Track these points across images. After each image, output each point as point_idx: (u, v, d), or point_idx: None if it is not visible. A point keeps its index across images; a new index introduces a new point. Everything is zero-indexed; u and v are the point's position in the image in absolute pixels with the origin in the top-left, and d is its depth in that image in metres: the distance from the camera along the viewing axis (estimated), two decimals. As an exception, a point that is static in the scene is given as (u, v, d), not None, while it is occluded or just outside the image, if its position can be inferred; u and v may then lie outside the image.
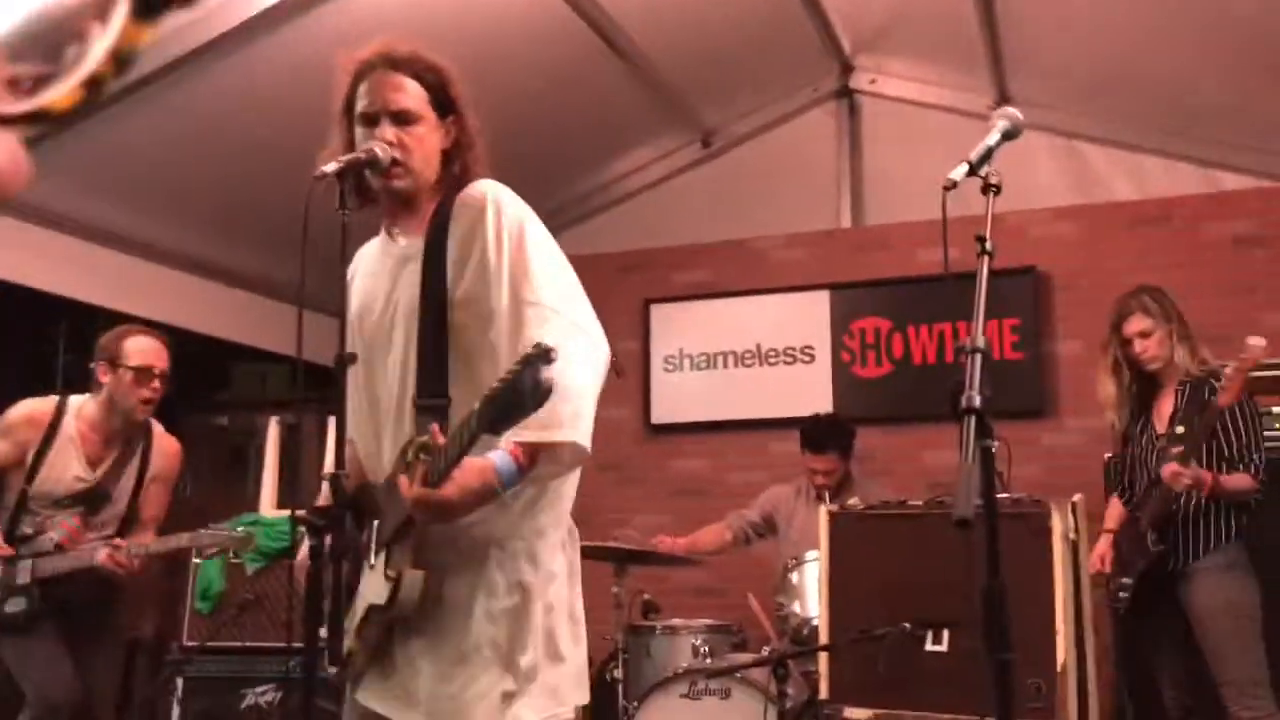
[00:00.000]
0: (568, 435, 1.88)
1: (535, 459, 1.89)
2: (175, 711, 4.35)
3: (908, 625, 3.23)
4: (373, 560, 2.05)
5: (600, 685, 4.38)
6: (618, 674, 4.19)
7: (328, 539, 2.07)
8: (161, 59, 4.11)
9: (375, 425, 2.14)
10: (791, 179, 6.15)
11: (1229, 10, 4.45)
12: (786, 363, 5.93)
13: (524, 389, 1.65)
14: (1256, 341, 3.36)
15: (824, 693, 3.45)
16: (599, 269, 6.04)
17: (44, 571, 3.63)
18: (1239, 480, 3.52)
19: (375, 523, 2.07)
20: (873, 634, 3.25)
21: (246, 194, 5.00)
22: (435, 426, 1.87)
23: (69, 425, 3.73)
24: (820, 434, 4.73)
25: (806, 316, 5.91)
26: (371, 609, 2.02)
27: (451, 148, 2.15)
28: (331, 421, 4.53)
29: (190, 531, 3.76)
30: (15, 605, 3.60)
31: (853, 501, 3.69)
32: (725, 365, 6.04)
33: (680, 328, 6.15)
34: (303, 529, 2.16)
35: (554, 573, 2.09)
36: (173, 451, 3.99)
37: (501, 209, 2.05)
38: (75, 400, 3.81)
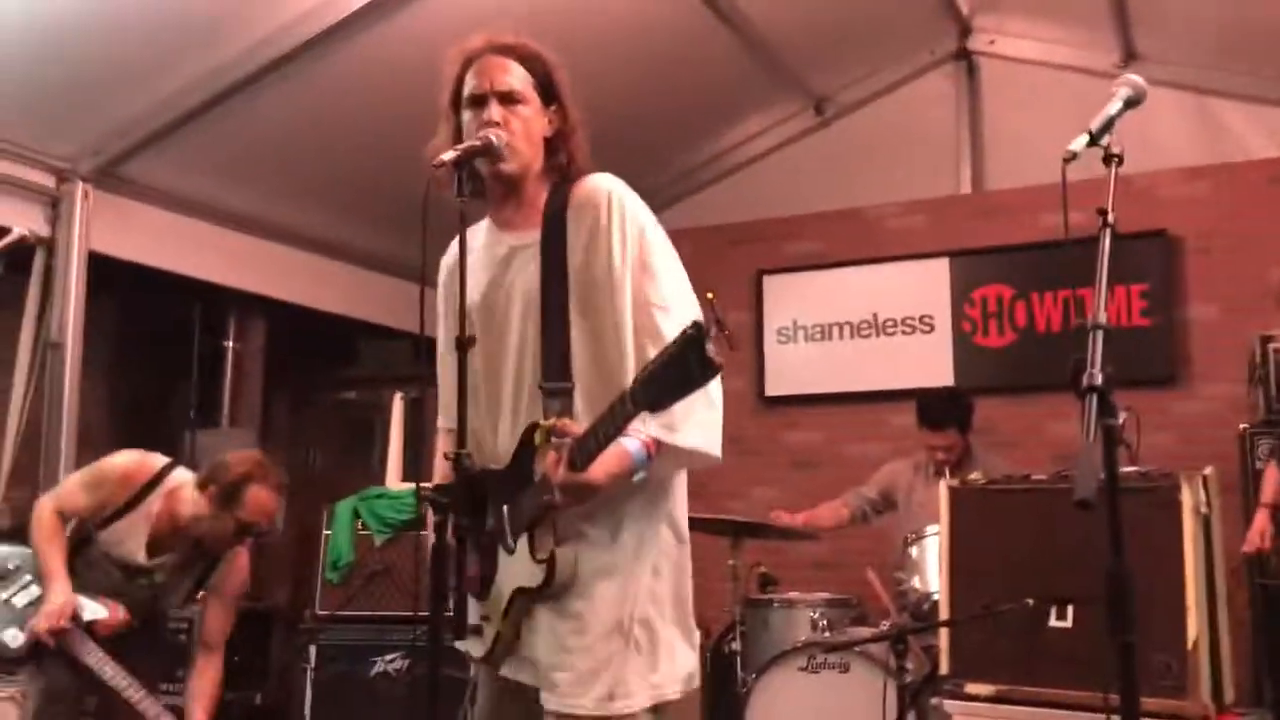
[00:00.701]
0: (688, 441, 2.00)
1: (659, 448, 1.98)
2: (309, 678, 4.52)
3: (1031, 601, 3.17)
4: (512, 544, 2.10)
5: (718, 657, 4.42)
6: (735, 646, 4.22)
7: (451, 516, 2.12)
8: (287, 45, 4.24)
9: (489, 409, 2.19)
10: (907, 145, 6.03)
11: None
12: (905, 333, 5.83)
13: (690, 364, 1.69)
14: None
15: (945, 668, 3.42)
16: (711, 240, 6.04)
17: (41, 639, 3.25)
18: None
19: (505, 507, 2.12)
20: (996, 610, 3.20)
21: (370, 176, 5.12)
22: (566, 420, 1.95)
23: (155, 500, 3.41)
24: (937, 410, 4.65)
25: (925, 285, 5.80)
26: (520, 592, 2.07)
27: (555, 136, 2.19)
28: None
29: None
30: (15, 640, 3.30)
31: (974, 476, 3.62)
32: (840, 336, 5.97)
33: (793, 298, 6.10)
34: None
35: (672, 559, 2.15)
36: (241, 565, 3.57)
37: (625, 209, 2.11)
38: (177, 476, 3.47)
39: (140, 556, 3.38)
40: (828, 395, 5.95)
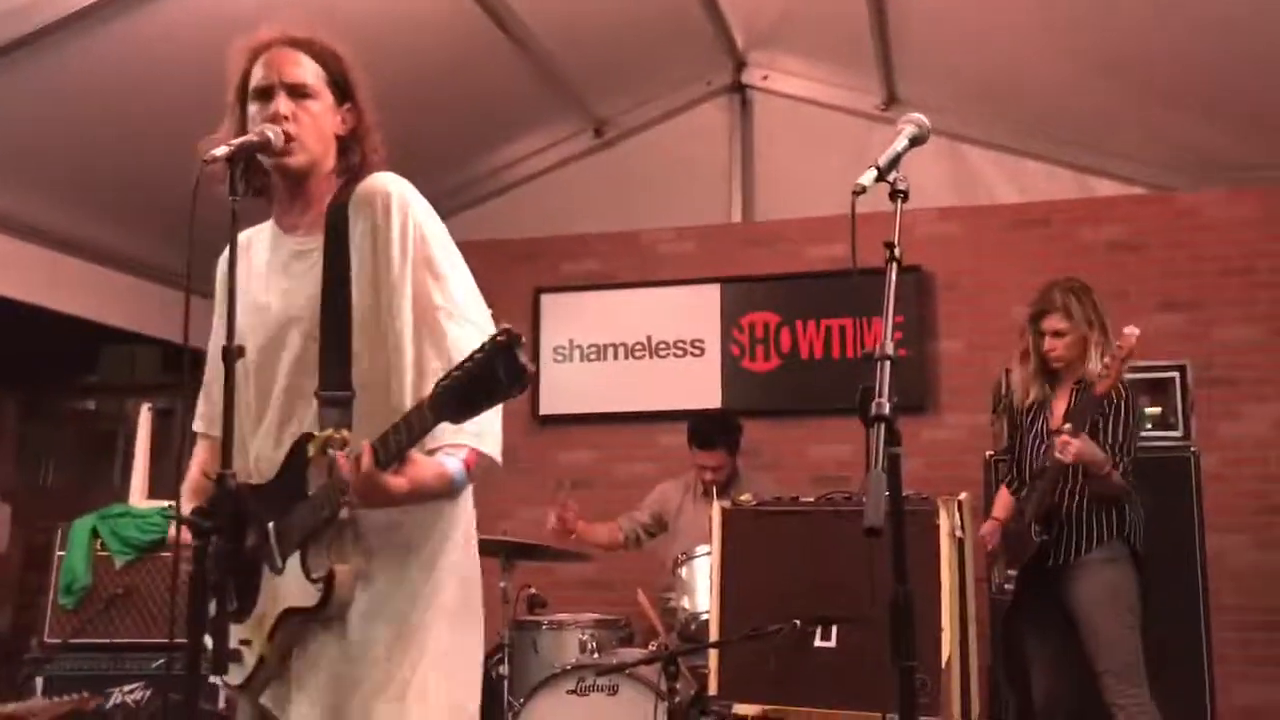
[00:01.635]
0: (492, 450, 1.94)
1: (478, 464, 1.91)
2: (35, 712, 4.13)
3: (798, 622, 3.25)
4: (279, 563, 1.98)
5: (485, 681, 4.31)
6: (503, 670, 4.14)
7: (212, 540, 1.98)
8: (34, 23, 3.90)
9: (254, 421, 2.07)
10: (683, 172, 6.15)
11: (1109, 24, 4.60)
12: (677, 355, 5.93)
13: (498, 374, 1.62)
14: (1131, 330, 3.44)
15: (713, 689, 3.46)
16: (490, 256, 5.93)
17: None
18: (1114, 474, 3.59)
19: (271, 523, 1.99)
20: (763, 631, 3.26)
21: (121, 170, 4.78)
22: (344, 431, 1.87)
23: None
24: (708, 431, 4.74)
25: (697, 309, 5.92)
26: (290, 612, 1.96)
27: (348, 135, 2.11)
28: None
29: None
30: None
31: (745, 497, 3.69)
32: (615, 357, 6.01)
33: (570, 318, 6.10)
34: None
35: (464, 577, 2.07)
36: None
37: (406, 206, 2.03)
38: None
39: None
40: (601, 415, 5.97)
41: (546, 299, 6.13)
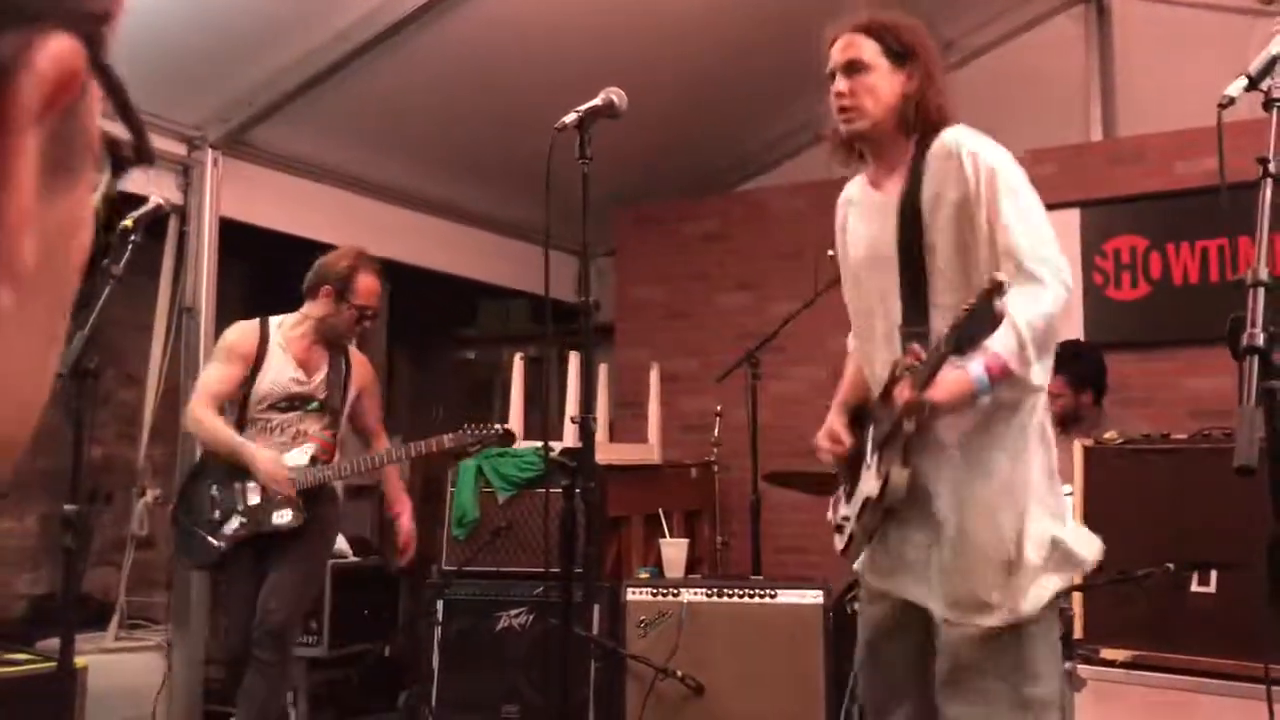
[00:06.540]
0: (1026, 372, 2.14)
1: (1006, 372, 2.12)
2: (436, 631, 4.63)
3: (1171, 565, 3.06)
4: (869, 461, 2.38)
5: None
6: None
7: (578, 480, 2.16)
8: (402, 11, 4.27)
9: (870, 349, 2.46)
10: (1034, 91, 5.82)
11: None
12: (1033, 287, 5.65)
13: (983, 318, 1.94)
14: None
15: (1078, 632, 3.33)
16: (829, 196, 5.92)
17: (305, 484, 3.77)
18: None
19: (871, 427, 2.38)
20: (1133, 574, 3.10)
21: (490, 140, 5.17)
22: (915, 346, 2.19)
23: (275, 337, 3.90)
24: (1052, 358, 4.46)
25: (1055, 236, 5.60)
26: (867, 500, 2.35)
27: (914, 91, 2.35)
28: (572, 356, 4.66)
29: (453, 433, 3.99)
30: (282, 518, 3.74)
31: (1109, 435, 3.50)
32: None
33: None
34: None
35: (1044, 465, 2.28)
36: (364, 361, 4.13)
37: (977, 157, 2.25)
38: (275, 318, 3.96)
39: (300, 376, 3.89)
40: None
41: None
